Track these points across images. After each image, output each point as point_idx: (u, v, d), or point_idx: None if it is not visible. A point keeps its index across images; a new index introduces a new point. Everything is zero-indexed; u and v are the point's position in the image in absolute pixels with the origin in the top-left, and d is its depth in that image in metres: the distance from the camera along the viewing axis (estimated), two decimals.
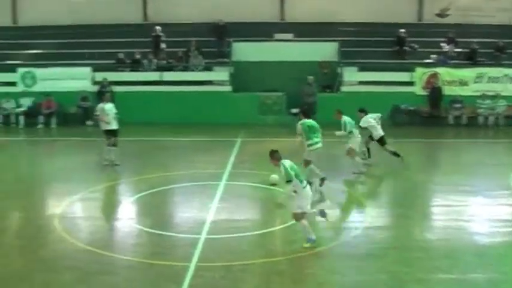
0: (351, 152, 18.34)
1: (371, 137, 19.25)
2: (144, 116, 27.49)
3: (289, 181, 11.45)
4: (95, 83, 28.99)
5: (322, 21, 31.15)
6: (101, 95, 27.09)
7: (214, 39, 30.44)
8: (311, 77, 27.69)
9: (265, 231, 12.78)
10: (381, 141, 19.15)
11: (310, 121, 16.37)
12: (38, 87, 29.30)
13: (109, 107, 19.03)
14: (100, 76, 28.72)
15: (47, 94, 28.41)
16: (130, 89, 28.47)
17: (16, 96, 29.07)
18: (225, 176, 17.43)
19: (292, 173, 11.45)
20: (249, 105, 28.17)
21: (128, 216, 14.41)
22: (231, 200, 15.39)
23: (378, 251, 11.56)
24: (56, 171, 19.66)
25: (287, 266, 10.81)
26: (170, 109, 28.11)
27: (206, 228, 12.86)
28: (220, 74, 29.27)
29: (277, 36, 30.73)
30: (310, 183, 15.88)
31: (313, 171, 16.26)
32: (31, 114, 28.57)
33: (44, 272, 10.67)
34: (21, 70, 29.68)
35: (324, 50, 29.50)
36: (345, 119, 18.32)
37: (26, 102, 28.93)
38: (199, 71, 29.51)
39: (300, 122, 16.35)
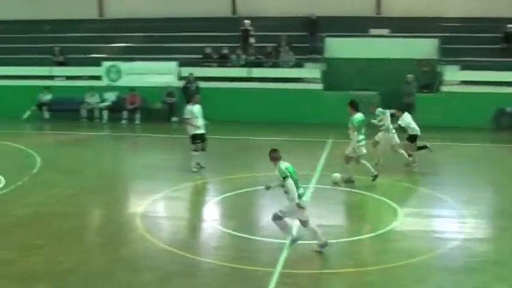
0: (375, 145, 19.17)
1: (410, 139, 19.30)
2: (231, 113, 27.77)
3: (285, 177, 11.30)
4: (181, 78, 29.47)
5: (421, 16, 30.58)
6: (186, 91, 27.67)
7: (305, 34, 30.40)
8: (410, 76, 27.12)
9: (354, 239, 12.66)
10: (415, 138, 19.28)
11: (360, 115, 16.79)
12: (123, 82, 30.04)
13: (198, 109, 18.49)
14: (186, 71, 29.16)
15: (131, 89, 29.09)
16: (217, 85, 28.79)
17: (100, 90, 29.90)
18: (314, 179, 17.38)
19: (288, 174, 11.31)
20: (341, 104, 27.68)
21: (211, 217, 14.58)
22: (320, 205, 15.32)
23: (477, 265, 11.23)
24: (139, 168, 20.11)
25: (378, 276, 10.66)
26: (258, 107, 28.27)
27: (293, 233, 12.85)
28: (312, 71, 29.14)
29: (373, 31, 30.39)
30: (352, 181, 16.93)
31: (366, 166, 16.94)
32: (115, 109, 29.33)
33: (124, 271, 10.93)
34: (106, 64, 30.50)
35: (423, 47, 28.90)
36: (380, 110, 19.40)
37: (110, 97, 29.70)
38: (290, 67, 29.53)
39: (354, 117, 16.64)
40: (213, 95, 26.85)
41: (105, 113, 29.36)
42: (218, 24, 32.71)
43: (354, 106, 16.91)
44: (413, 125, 19.34)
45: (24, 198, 15.69)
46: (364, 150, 16.98)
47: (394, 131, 19.04)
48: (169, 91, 29.05)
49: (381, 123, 19.27)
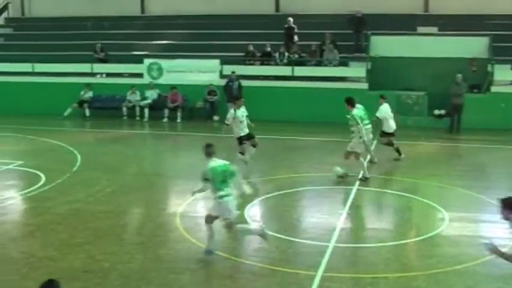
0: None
1: (384, 133, 20.17)
2: (273, 112, 27.71)
3: (206, 179, 11.30)
4: (222, 76, 29.50)
5: (471, 14, 30.23)
6: (227, 90, 27.73)
7: (350, 32, 30.18)
8: (459, 75, 26.39)
9: (399, 243, 12.54)
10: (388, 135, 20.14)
11: (359, 111, 17.45)
12: (164, 80, 30.19)
13: (241, 113, 18.22)
14: (228, 69, 29.17)
15: (172, 87, 29.22)
16: (259, 83, 28.77)
17: (142, 88, 30.07)
18: (357, 181, 17.27)
19: (210, 174, 11.25)
20: None
21: (252, 218, 14.54)
22: (364, 207, 15.26)
23: None
24: (179, 167, 20.24)
25: (424, 282, 10.54)
26: (301, 106, 28.14)
27: (335, 236, 12.79)
28: (356, 70, 28.94)
29: (420, 29, 30.06)
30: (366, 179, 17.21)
31: (362, 165, 17.48)
32: (156, 107, 29.47)
33: (163, 272, 10.98)
34: (147, 61, 30.69)
35: (473, 46, 28.43)
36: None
37: (152, 95, 29.86)
38: (334, 66, 29.35)
39: (353, 113, 17.28)
40: (256, 94, 26.82)
41: (146, 111, 29.51)
42: (261, 21, 32.76)
43: (350, 102, 17.59)
44: (390, 121, 20.08)
45: (64, 196, 15.90)
46: (370, 136, 18.19)
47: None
48: (210, 89, 29.11)
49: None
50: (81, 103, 30.20)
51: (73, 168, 19.01)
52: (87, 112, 30.21)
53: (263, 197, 15.90)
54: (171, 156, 22.57)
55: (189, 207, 15.05)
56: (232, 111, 18.26)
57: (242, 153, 18.15)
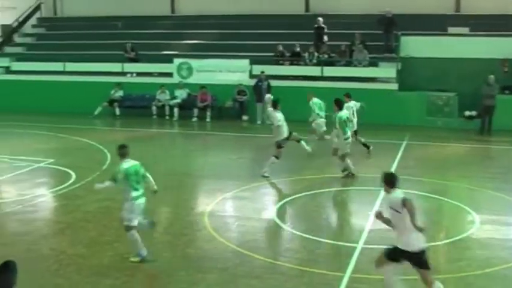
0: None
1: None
2: (302, 112, 27.56)
3: (113, 180, 11.38)
4: (252, 76, 29.49)
5: (503, 13, 29.79)
6: (256, 90, 27.75)
7: (380, 32, 30.01)
8: (492, 76, 25.96)
9: (428, 245, 12.38)
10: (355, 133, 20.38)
11: (345, 113, 18.00)
12: (194, 79, 30.25)
13: (282, 116, 18.09)
14: (257, 69, 29.14)
15: (202, 86, 29.27)
16: (288, 83, 28.70)
17: (172, 87, 30.16)
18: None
19: (120, 176, 11.33)
20: (416, 105, 27.41)
21: (280, 218, 14.50)
22: None
23: None
24: (208, 166, 20.23)
25: (453, 285, 10.42)
26: (330, 106, 27.94)
27: (364, 237, 12.71)
28: (386, 71, 28.75)
29: (451, 30, 29.73)
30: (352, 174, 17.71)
31: (348, 164, 17.74)
32: (186, 107, 29.54)
33: (190, 270, 11.00)
34: (177, 61, 30.79)
35: (505, 46, 27.99)
36: (315, 100, 21.91)
37: (181, 94, 29.93)
38: (363, 66, 29.18)
39: (337, 115, 17.64)
40: (285, 94, 26.69)
41: (176, 111, 29.58)
42: (291, 21, 32.69)
43: (339, 104, 18.08)
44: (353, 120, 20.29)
45: (94, 194, 15.90)
46: (348, 149, 17.82)
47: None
48: (240, 89, 29.11)
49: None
50: (111, 102, 30.39)
51: (103, 166, 19.09)
52: (117, 111, 30.39)
53: (292, 197, 15.87)
54: (200, 156, 22.57)
55: (217, 206, 15.08)
56: (275, 114, 18.01)
57: (277, 157, 17.88)
